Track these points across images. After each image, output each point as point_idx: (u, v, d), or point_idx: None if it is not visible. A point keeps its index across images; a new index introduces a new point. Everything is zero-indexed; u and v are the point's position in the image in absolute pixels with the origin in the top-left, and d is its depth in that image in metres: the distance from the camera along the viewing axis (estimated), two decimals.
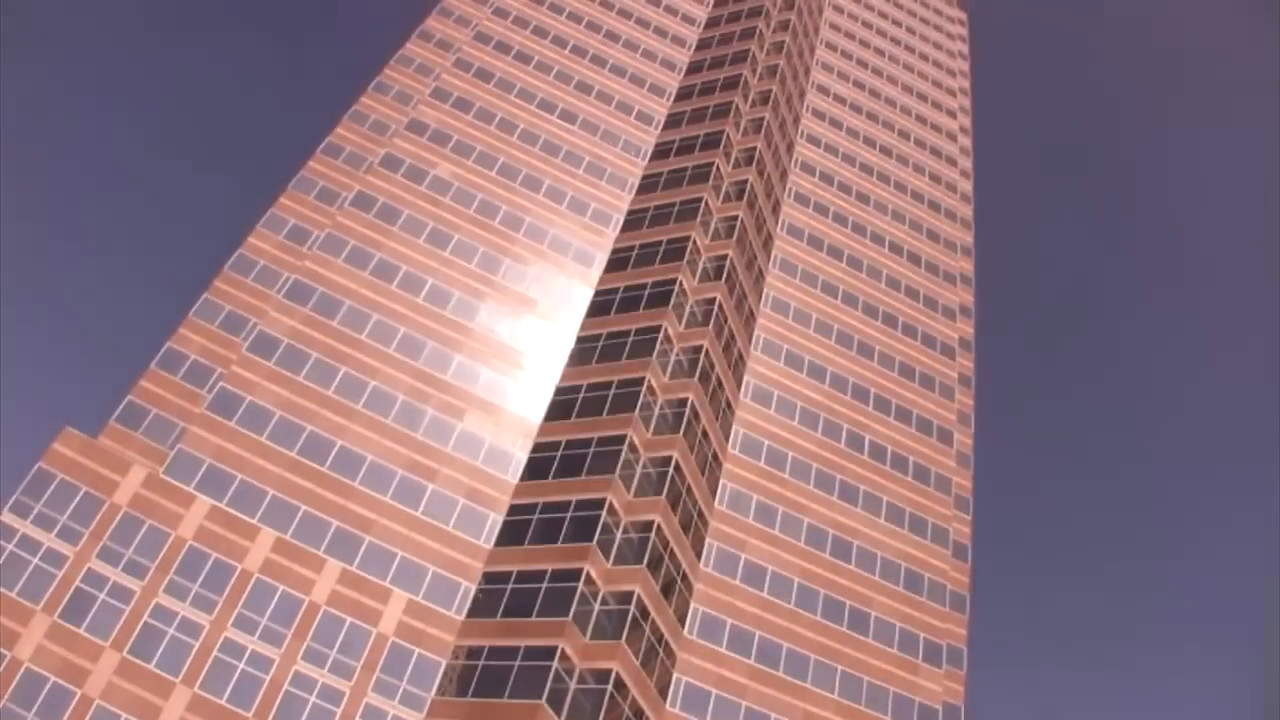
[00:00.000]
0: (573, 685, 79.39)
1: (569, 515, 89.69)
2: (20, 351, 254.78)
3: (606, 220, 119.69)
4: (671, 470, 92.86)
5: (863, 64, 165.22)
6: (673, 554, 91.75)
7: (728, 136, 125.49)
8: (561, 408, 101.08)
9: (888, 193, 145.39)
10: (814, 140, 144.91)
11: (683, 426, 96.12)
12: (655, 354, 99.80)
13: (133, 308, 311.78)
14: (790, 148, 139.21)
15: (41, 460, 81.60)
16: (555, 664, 78.54)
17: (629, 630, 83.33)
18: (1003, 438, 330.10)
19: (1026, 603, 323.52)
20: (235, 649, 79.02)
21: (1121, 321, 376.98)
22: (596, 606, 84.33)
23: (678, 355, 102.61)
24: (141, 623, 77.54)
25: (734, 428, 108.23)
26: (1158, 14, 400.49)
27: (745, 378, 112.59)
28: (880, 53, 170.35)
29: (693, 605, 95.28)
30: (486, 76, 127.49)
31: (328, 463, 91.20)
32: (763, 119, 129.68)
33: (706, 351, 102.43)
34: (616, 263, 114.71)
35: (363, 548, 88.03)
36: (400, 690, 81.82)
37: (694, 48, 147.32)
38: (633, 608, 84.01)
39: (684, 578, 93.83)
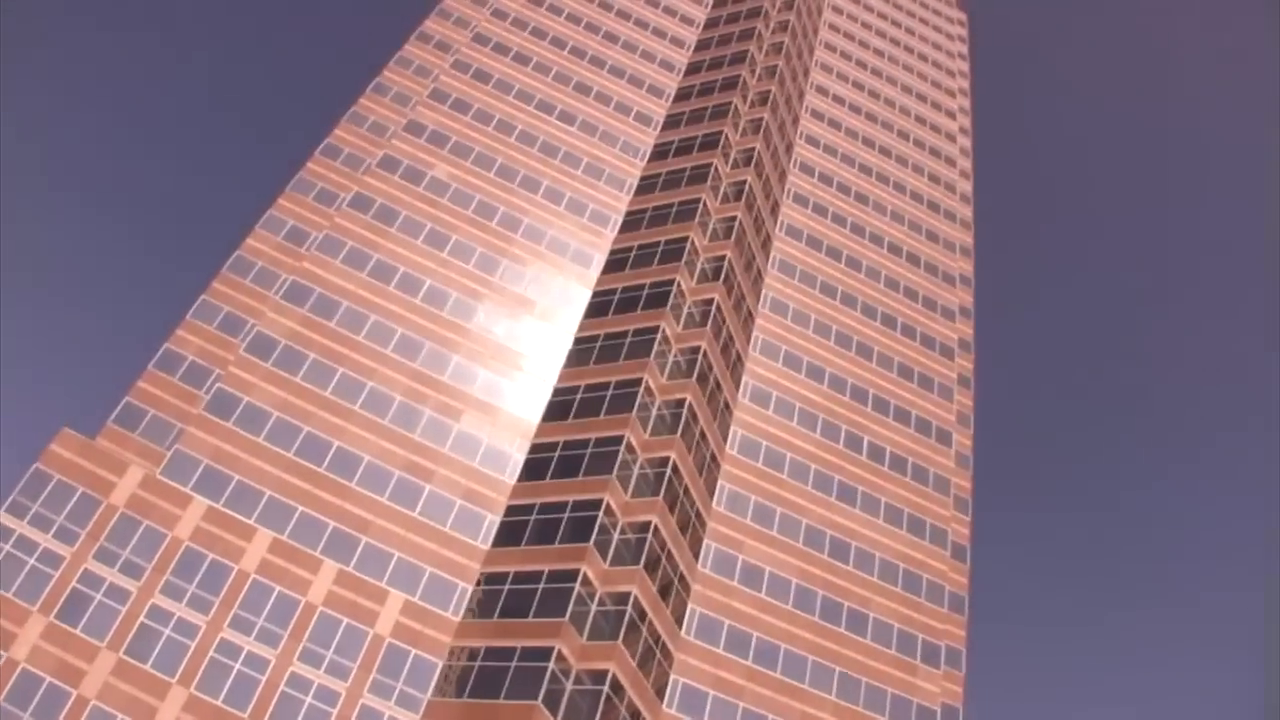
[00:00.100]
0: (569, 686, 79.35)
1: (566, 516, 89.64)
2: (19, 352, 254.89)
3: (605, 221, 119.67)
4: (669, 471, 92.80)
5: (862, 65, 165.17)
6: (670, 555, 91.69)
7: (726, 137, 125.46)
8: (559, 408, 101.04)
9: (887, 193, 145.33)
10: (813, 141, 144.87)
11: (680, 427, 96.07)
12: (653, 355, 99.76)
13: (132, 309, 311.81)
14: (789, 148, 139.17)
15: (39, 461, 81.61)
16: (552, 665, 78.50)
17: (626, 631, 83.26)
18: (1002, 438, 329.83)
19: (1025, 604, 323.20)
20: (231, 650, 79.01)
21: (1122, 322, 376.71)
22: (593, 607, 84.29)
23: (675, 356, 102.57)
24: (138, 623, 77.52)
25: (732, 428, 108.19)
26: (1158, 15, 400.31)
27: (744, 378, 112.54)
28: (879, 53, 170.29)
29: (690, 606, 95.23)
30: (485, 78, 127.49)
31: (325, 463, 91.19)
32: (761, 120, 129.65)
33: (704, 352, 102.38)
34: (614, 264, 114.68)
35: (359, 548, 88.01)
36: (396, 691, 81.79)
37: (693, 49, 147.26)
38: (630, 609, 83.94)
39: (681, 579, 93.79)
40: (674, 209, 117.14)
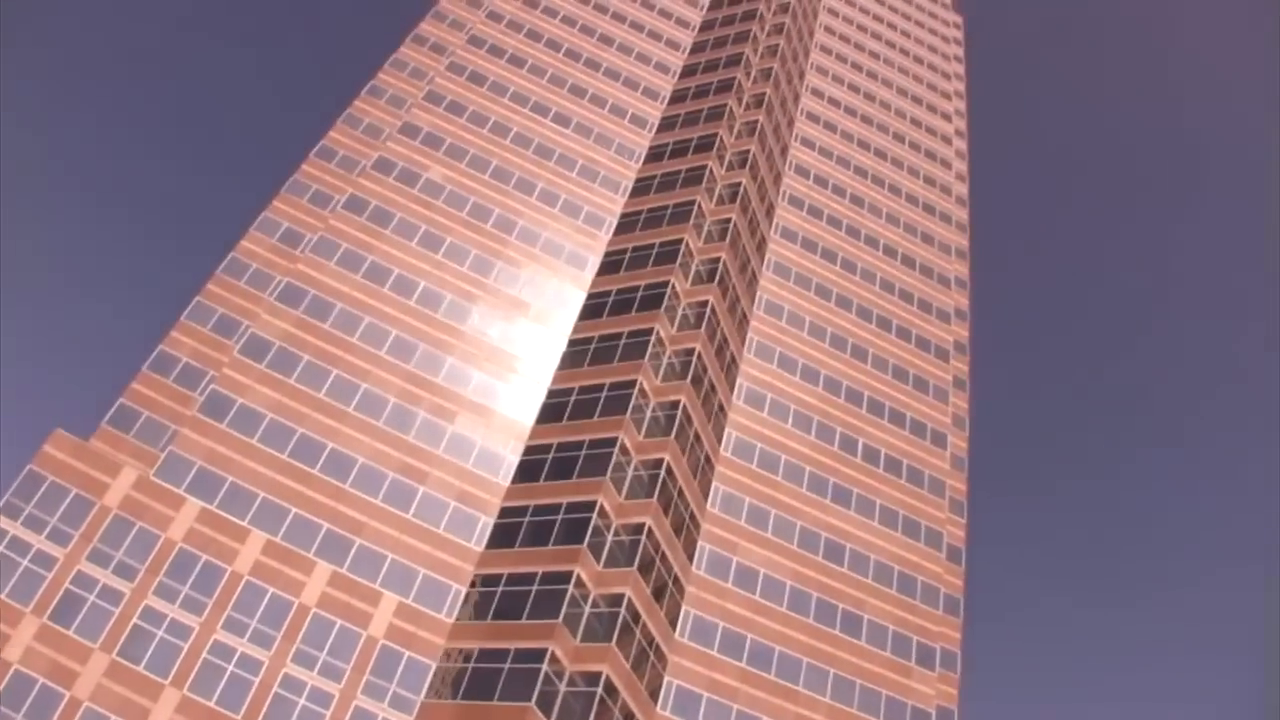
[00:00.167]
0: (563, 688, 79.40)
1: (560, 518, 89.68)
2: (13, 353, 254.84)
3: (599, 223, 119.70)
4: (663, 473, 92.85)
5: (857, 67, 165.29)
6: (664, 557, 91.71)
7: (721, 139, 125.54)
8: (553, 410, 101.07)
9: (882, 196, 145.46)
10: (808, 143, 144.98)
11: (674, 429, 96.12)
12: (647, 357, 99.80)
13: (126, 310, 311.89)
14: (784, 151, 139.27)
15: (32, 462, 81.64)
16: (545, 667, 78.54)
17: (619, 633, 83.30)
18: (998, 440, 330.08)
19: (1021, 605, 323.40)
20: (225, 651, 79.01)
21: (1118, 324, 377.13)
22: (587, 609, 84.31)
23: (670, 358, 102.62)
24: (131, 625, 77.53)
25: (726, 430, 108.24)
26: (1155, 16, 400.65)
27: (738, 380, 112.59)
28: (875, 56, 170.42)
29: (684, 608, 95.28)
30: (480, 80, 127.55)
31: (318, 465, 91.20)
32: (757, 122, 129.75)
33: (699, 354, 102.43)
34: (609, 266, 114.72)
35: (353, 550, 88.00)
36: (390, 693, 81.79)
37: (688, 51, 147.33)
38: (623, 610, 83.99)
39: (675, 580, 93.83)
40: (669, 211, 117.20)
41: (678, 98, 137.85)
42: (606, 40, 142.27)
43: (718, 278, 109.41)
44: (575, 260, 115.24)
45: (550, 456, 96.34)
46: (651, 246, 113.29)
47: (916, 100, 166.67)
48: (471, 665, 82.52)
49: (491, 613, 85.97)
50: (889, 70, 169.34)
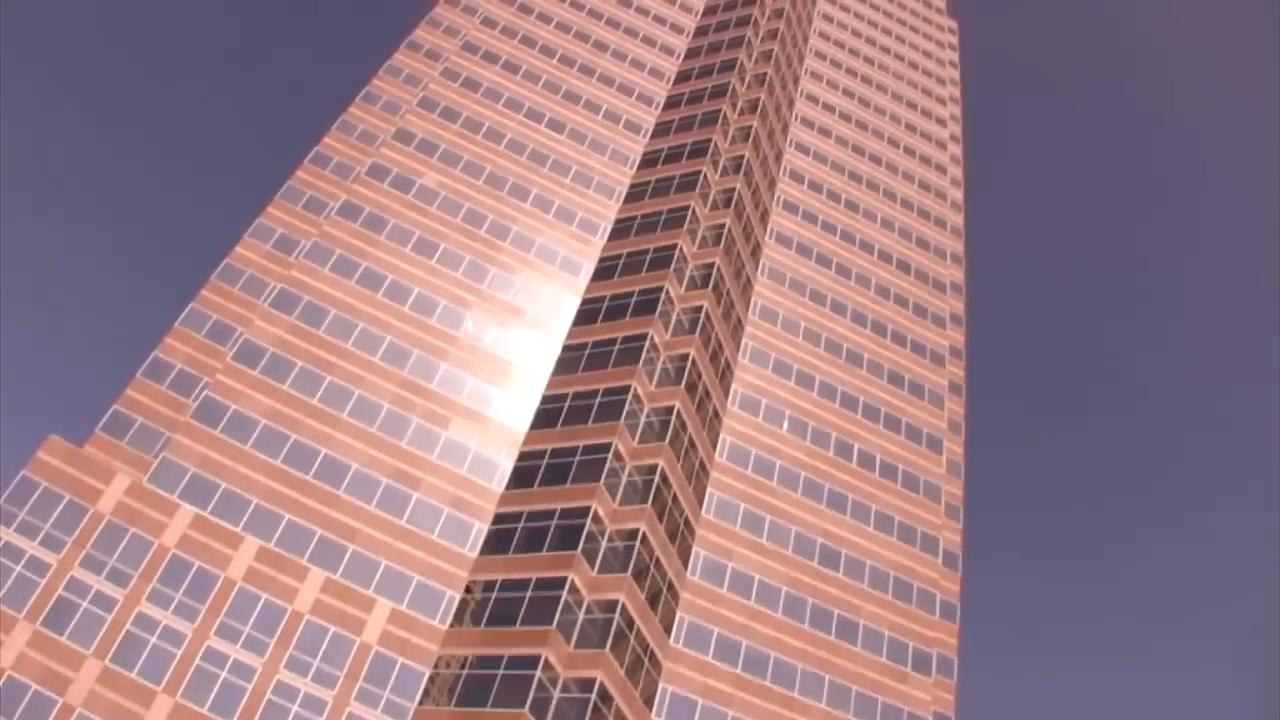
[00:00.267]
0: (556, 694, 79.23)
1: (554, 524, 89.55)
2: (8, 360, 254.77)
3: (594, 229, 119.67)
4: (657, 478, 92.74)
5: (852, 72, 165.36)
6: (659, 562, 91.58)
7: (715, 145, 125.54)
8: (547, 416, 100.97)
9: (877, 200, 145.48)
10: (803, 148, 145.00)
11: (669, 435, 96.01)
12: (641, 362, 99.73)
13: (122, 317, 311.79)
14: (779, 156, 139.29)
15: (26, 468, 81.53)
16: (539, 673, 78.39)
17: (614, 639, 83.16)
18: (995, 445, 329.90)
19: (1019, 611, 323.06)
20: (218, 658, 78.87)
21: (1114, 327, 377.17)
22: (581, 615, 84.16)
23: (664, 363, 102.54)
24: (124, 631, 77.38)
25: (721, 436, 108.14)
26: (1150, 22, 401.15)
27: (733, 386, 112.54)
28: (870, 61, 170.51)
29: (679, 614, 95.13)
30: (474, 86, 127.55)
31: (312, 471, 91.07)
32: (751, 127, 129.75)
33: (693, 359, 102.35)
34: (603, 271, 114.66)
35: (346, 556, 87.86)
36: (383, 699, 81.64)
37: (682, 57, 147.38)
38: (617, 616, 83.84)
39: (670, 586, 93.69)
40: (663, 216, 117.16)
41: (672, 103, 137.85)
42: (601, 47, 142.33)
43: (712, 283, 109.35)
44: (569, 266, 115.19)
45: (544, 462, 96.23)
46: (646, 252, 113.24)
47: (911, 105, 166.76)
48: (465, 672, 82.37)
49: (485, 619, 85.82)
50: (883, 75, 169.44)
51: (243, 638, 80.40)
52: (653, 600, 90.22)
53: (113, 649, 76.60)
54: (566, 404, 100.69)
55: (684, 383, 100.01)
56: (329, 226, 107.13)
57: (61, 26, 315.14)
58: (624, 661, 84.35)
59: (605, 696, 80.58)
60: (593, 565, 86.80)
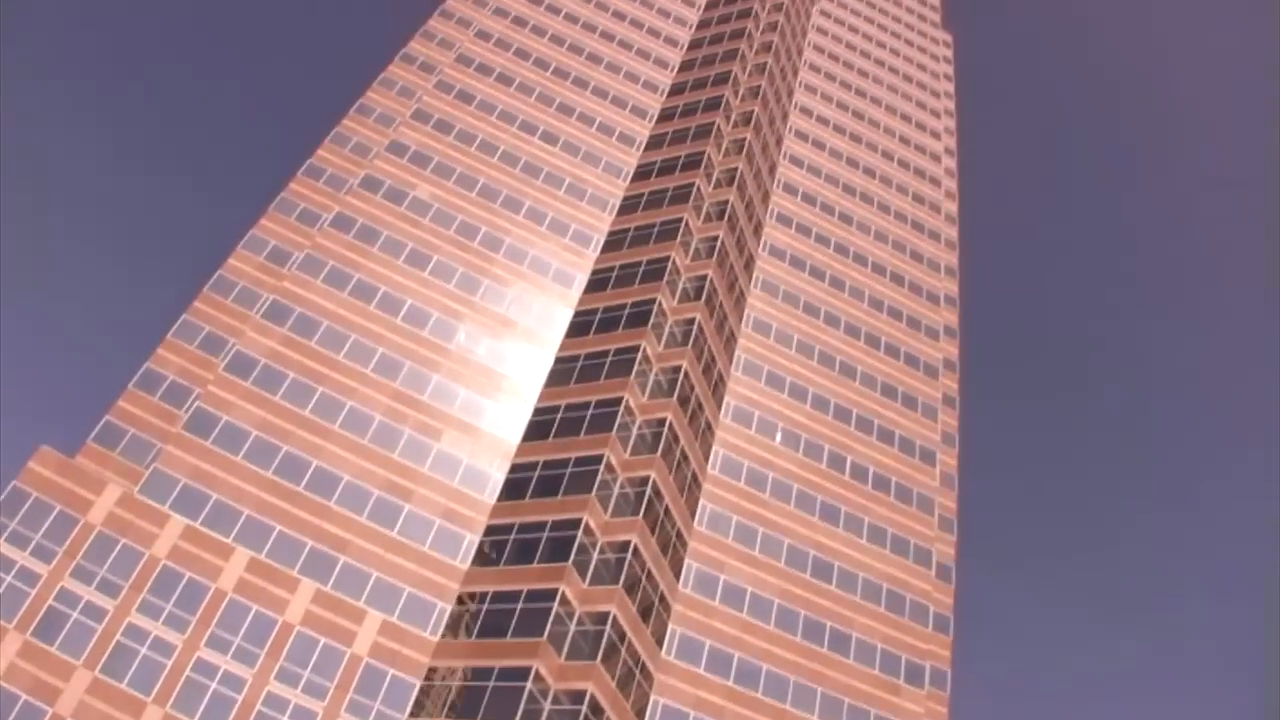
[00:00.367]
0: (547, 706, 79.22)
1: (545, 535, 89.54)
2: (1, 370, 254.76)
3: (587, 241, 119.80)
4: (649, 490, 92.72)
5: (846, 85, 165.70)
6: (650, 575, 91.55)
7: (709, 157, 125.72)
8: (539, 428, 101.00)
9: (871, 213, 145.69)
10: (797, 161, 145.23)
11: (661, 447, 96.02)
12: (633, 374, 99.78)
13: (115, 328, 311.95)
14: (773, 169, 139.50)
15: (17, 479, 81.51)
16: (529, 685, 78.40)
17: (605, 651, 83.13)
18: (990, 458, 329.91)
19: (1013, 623, 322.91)
20: (208, 669, 78.81)
21: (1109, 338, 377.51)
22: (572, 627, 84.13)
23: (656, 375, 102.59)
24: (114, 642, 77.34)
25: (714, 448, 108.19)
26: (1144, 34, 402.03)
27: (726, 398, 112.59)
28: (864, 74, 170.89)
29: (671, 626, 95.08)
30: (468, 98, 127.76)
31: (303, 482, 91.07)
32: (745, 140, 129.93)
33: (686, 372, 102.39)
34: (596, 283, 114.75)
35: (338, 568, 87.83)
36: (374, 711, 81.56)
37: (676, 69, 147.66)
38: (609, 628, 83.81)
39: (662, 598, 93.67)
40: (656, 229, 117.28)
41: (666, 116, 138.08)
42: (595, 59, 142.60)
43: (705, 295, 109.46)
44: (562, 278, 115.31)
45: (536, 474, 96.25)
46: (639, 264, 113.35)
47: (905, 118, 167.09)
48: (456, 683, 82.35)
49: (476, 631, 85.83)
50: (878, 88, 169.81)
51: (233, 649, 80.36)
52: (644, 612, 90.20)
53: (103, 659, 76.56)
54: (559, 416, 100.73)
55: (676, 395, 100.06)
56: (322, 238, 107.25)
57: (52, 38, 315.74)
58: (615, 674, 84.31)
59: (596, 708, 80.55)
60: (584, 577, 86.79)
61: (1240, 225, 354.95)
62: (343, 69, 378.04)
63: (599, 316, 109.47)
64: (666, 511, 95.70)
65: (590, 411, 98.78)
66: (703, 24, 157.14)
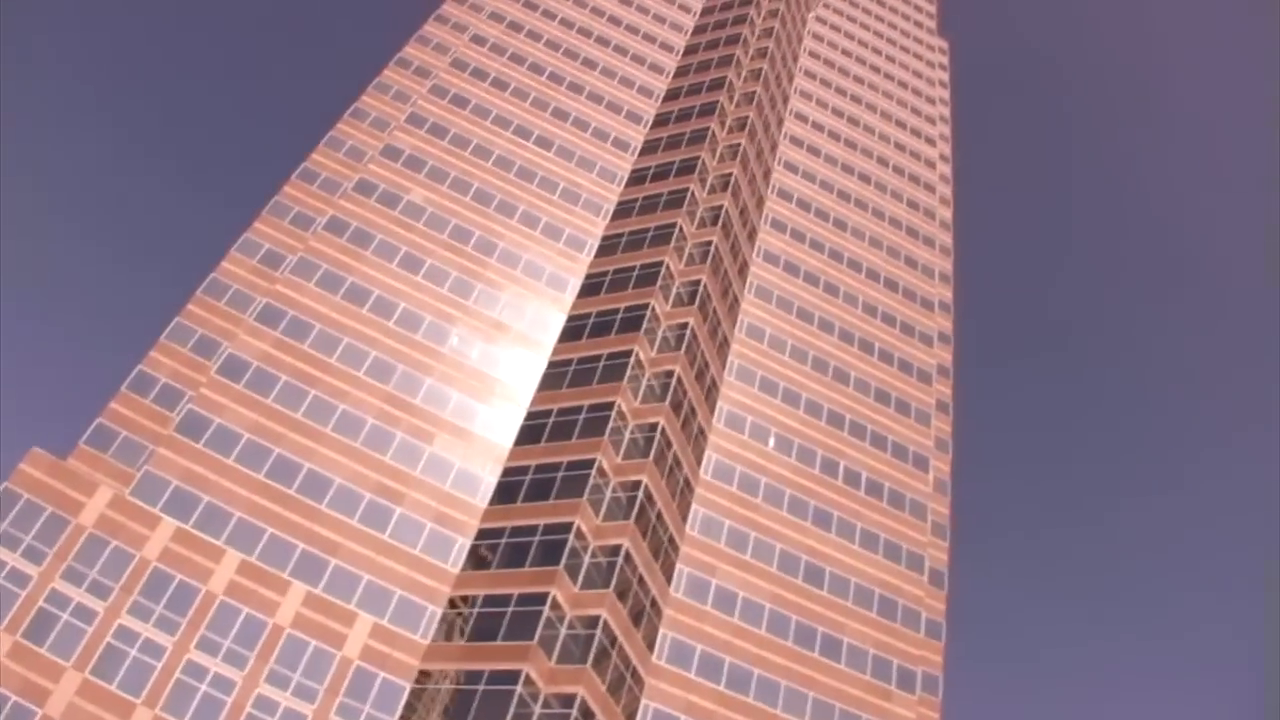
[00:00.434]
0: (538, 710, 79.19)
1: (537, 539, 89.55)
2: None
3: (580, 245, 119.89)
4: (641, 495, 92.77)
5: (842, 91, 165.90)
6: (642, 579, 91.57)
7: (703, 162, 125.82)
8: (532, 432, 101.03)
9: (865, 219, 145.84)
10: (791, 167, 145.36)
11: (653, 451, 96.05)
12: (626, 378, 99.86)
13: (108, 330, 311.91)
14: (767, 174, 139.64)
15: (8, 480, 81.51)
16: (519, 688, 78.34)
17: (596, 655, 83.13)
18: (984, 464, 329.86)
19: (1005, 629, 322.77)
20: (198, 671, 78.80)
21: (1103, 344, 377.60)
22: (563, 631, 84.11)
23: (649, 380, 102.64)
24: (104, 643, 77.32)
25: (707, 453, 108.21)
26: (1140, 39, 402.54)
27: (719, 403, 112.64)
28: (860, 80, 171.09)
29: (662, 630, 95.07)
30: (462, 102, 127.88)
31: (295, 485, 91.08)
32: (739, 145, 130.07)
33: (678, 376, 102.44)
34: (590, 288, 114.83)
35: (328, 571, 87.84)
36: (364, 714, 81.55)
37: (671, 75, 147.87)
38: (599, 632, 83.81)
39: (653, 603, 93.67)
40: (650, 233, 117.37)
41: (661, 121, 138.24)
42: (590, 64, 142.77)
43: (698, 300, 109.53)
44: (556, 283, 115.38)
45: (528, 478, 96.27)
46: (632, 269, 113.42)
47: (900, 124, 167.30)
48: (446, 687, 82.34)
49: (467, 634, 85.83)
50: (873, 94, 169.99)
51: (223, 651, 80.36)
52: (635, 617, 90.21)
53: (93, 661, 76.56)
54: (551, 420, 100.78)
55: (669, 399, 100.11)
56: (315, 241, 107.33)
57: (48, 40, 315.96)
58: (606, 678, 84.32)
59: (587, 713, 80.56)
60: (575, 581, 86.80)
61: (1239, 226, 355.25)
62: (338, 73, 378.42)
63: (592, 321, 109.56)
64: (658, 516, 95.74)
65: (583, 416, 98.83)
66: (698, 30, 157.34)
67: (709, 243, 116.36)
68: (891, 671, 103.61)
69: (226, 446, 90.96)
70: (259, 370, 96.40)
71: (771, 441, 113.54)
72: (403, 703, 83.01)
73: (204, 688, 78.31)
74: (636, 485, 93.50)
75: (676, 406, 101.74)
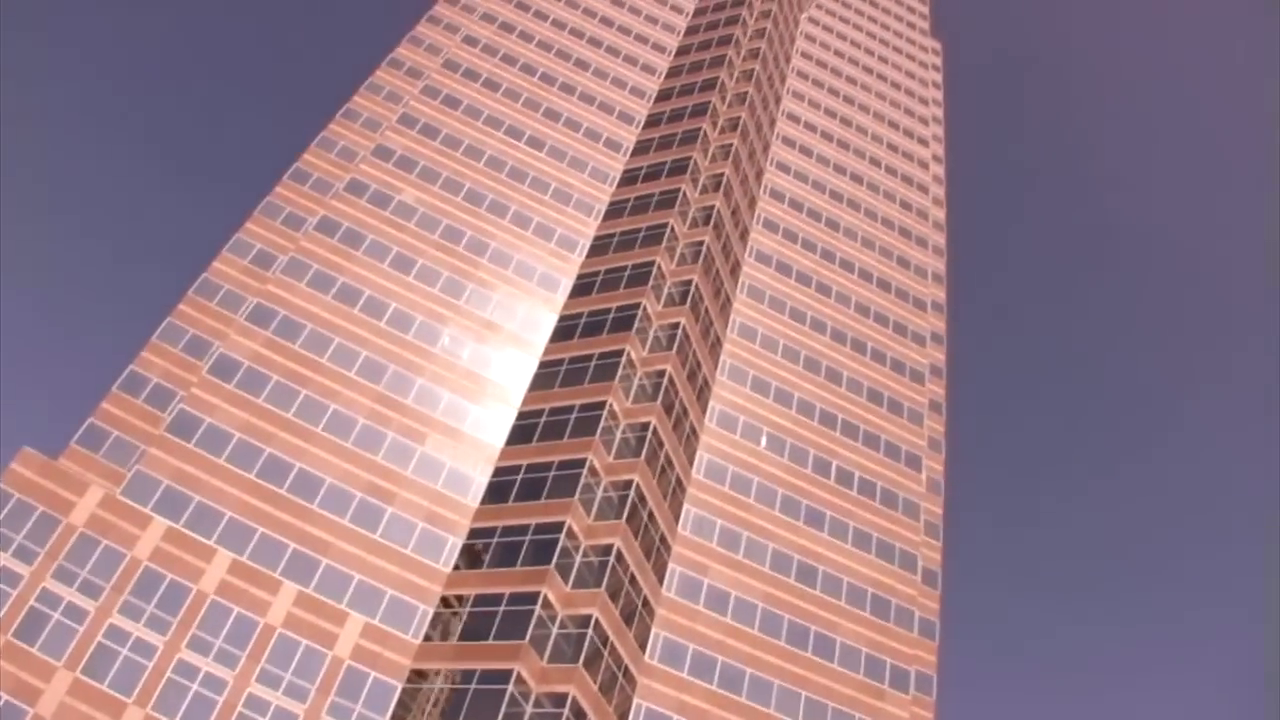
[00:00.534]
0: (529, 710, 79.14)
1: (528, 539, 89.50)
2: None
3: (572, 246, 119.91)
4: (633, 494, 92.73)
5: (834, 92, 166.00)
6: (634, 578, 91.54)
7: (695, 163, 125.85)
8: (523, 432, 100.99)
9: (858, 219, 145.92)
10: (783, 167, 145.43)
11: (645, 451, 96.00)
12: (618, 378, 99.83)
13: (100, 330, 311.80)
14: (759, 174, 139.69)
15: None
16: (511, 688, 78.28)
17: (588, 655, 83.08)
18: (977, 463, 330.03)
19: (998, 628, 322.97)
20: (189, 670, 78.68)
21: (1098, 345, 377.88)
22: (554, 630, 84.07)
23: (641, 380, 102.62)
24: (95, 643, 77.20)
25: (699, 452, 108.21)
26: (1133, 42, 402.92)
27: (710, 403, 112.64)
28: (852, 81, 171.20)
29: (654, 630, 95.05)
30: (454, 103, 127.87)
31: (286, 485, 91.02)
32: (731, 145, 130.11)
33: (670, 376, 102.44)
34: (581, 288, 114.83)
35: (320, 570, 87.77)
36: (355, 714, 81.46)
37: (664, 76, 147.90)
38: (591, 631, 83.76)
39: (645, 602, 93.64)
40: (642, 233, 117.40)
41: (652, 121, 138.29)
42: (582, 65, 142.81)
43: (690, 300, 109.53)
44: (547, 283, 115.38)
45: (520, 477, 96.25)
46: (624, 269, 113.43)
47: (893, 125, 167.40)
48: (438, 686, 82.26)
49: (458, 634, 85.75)
50: (866, 95, 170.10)
51: (214, 650, 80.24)
52: (627, 616, 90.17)
53: (84, 661, 76.43)
54: (542, 419, 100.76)
55: (661, 399, 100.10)
56: (307, 242, 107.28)
57: (45, 39, 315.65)
58: (598, 677, 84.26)
59: (579, 712, 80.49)
60: (567, 581, 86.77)
61: (1239, 227, 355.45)
62: (329, 74, 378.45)
63: (583, 321, 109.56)
64: (650, 515, 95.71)
65: (574, 415, 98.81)
66: (690, 30, 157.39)
67: (701, 243, 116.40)
68: (885, 671, 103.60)
69: (217, 446, 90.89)
70: (250, 370, 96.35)
71: (764, 441, 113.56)
72: (394, 702, 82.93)
73: (195, 687, 78.20)
74: (628, 485, 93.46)
75: (668, 406, 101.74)
